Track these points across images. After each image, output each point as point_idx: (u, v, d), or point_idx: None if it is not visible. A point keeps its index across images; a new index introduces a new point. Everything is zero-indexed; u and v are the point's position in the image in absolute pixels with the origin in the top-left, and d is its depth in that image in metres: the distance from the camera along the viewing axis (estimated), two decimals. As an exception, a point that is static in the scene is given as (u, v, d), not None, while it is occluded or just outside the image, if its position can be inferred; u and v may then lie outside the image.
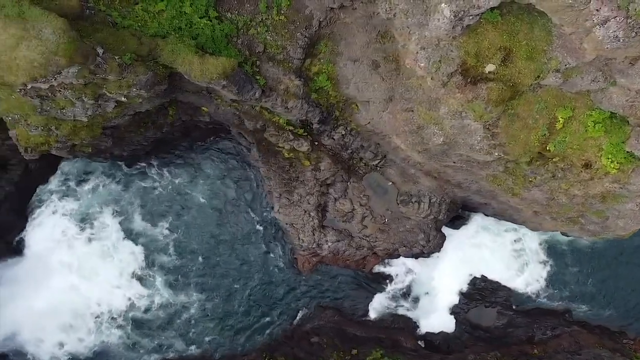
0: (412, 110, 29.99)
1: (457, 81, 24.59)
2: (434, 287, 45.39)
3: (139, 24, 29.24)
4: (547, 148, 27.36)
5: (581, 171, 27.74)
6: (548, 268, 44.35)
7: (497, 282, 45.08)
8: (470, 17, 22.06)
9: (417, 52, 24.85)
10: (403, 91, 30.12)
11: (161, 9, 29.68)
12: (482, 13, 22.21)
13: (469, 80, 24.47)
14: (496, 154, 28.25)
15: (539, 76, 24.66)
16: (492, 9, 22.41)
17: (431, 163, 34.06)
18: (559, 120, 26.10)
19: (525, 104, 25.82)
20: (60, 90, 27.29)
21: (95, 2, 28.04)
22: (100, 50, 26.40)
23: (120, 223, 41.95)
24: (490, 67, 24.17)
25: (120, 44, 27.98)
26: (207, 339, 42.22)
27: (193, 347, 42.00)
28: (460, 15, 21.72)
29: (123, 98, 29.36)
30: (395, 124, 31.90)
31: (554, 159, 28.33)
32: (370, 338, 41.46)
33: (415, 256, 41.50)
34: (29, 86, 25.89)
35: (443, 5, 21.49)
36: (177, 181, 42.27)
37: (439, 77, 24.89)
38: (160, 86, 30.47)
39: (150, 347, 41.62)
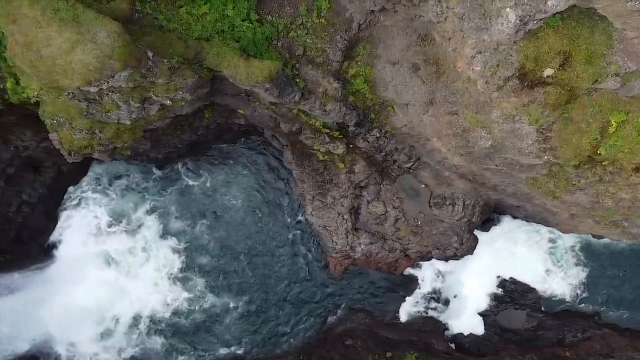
0: (457, 114, 29.87)
1: (513, 85, 24.50)
2: (463, 290, 45.40)
3: (184, 27, 29.15)
4: (598, 152, 27.30)
5: (631, 175, 27.67)
6: (588, 269, 44.09)
7: (526, 284, 44.99)
8: (535, 22, 22.02)
9: (473, 56, 24.73)
10: (447, 94, 29.99)
11: (204, 12, 29.54)
12: (546, 17, 22.15)
13: (525, 84, 24.42)
14: (546, 157, 28.15)
15: (596, 80, 24.59)
16: (554, 13, 22.36)
17: (471, 166, 33.94)
18: (612, 124, 26.04)
19: (580, 108, 25.74)
20: (108, 94, 27.16)
21: (142, 5, 27.96)
22: (150, 54, 26.31)
23: (157, 222, 41.74)
24: (549, 71, 24.10)
25: (168, 47, 27.89)
26: (242, 340, 42.13)
27: (229, 349, 41.86)
28: (525, 19, 21.67)
29: (168, 101, 29.24)
30: (437, 127, 31.81)
31: (603, 163, 28.27)
32: (402, 341, 41.45)
33: (447, 259, 41.46)
34: (80, 89, 25.81)
35: (508, 9, 21.40)
36: (211, 183, 42.13)
37: (494, 81, 24.78)
38: (203, 89, 30.39)
39: (186, 349, 41.49)
